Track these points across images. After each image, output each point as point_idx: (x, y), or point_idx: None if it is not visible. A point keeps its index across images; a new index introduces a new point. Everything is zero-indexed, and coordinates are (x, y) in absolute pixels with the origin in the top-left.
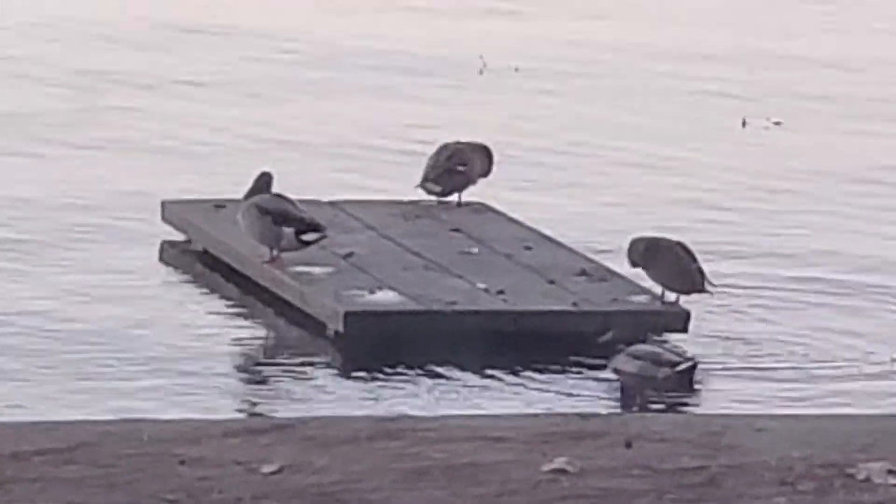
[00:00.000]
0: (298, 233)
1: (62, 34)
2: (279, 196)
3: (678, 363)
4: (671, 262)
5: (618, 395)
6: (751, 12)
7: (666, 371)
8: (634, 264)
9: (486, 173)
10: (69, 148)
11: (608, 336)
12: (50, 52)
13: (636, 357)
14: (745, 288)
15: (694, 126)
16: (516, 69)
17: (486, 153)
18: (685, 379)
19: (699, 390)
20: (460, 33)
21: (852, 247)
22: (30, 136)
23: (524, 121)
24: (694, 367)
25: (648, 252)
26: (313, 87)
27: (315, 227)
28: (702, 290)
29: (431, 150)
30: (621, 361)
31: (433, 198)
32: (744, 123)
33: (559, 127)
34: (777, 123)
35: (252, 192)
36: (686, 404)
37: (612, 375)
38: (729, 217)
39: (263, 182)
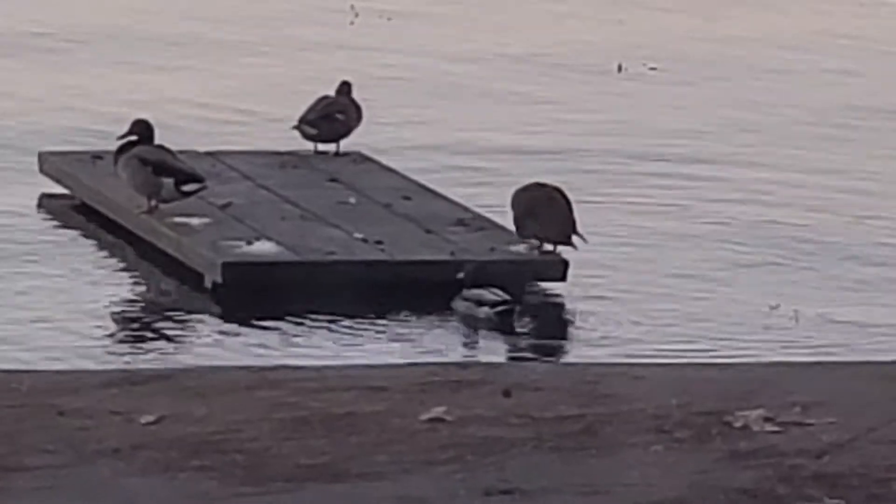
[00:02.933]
0: (178, 183)
1: None
2: (160, 147)
3: (497, 304)
4: (548, 211)
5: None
6: None
7: (486, 311)
8: (516, 219)
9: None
10: None
11: (461, 276)
12: None
13: (464, 299)
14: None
15: None
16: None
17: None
18: (506, 320)
19: (577, 338)
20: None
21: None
22: None
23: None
24: (512, 309)
25: (526, 202)
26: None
27: (195, 178)
28: (567, 243)
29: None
30: (455, 303)
31: (310, 145)
32: None
33: None
34: None
35: (127, 135)
36: (564, 353)
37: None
38: None
39: (142, 128)
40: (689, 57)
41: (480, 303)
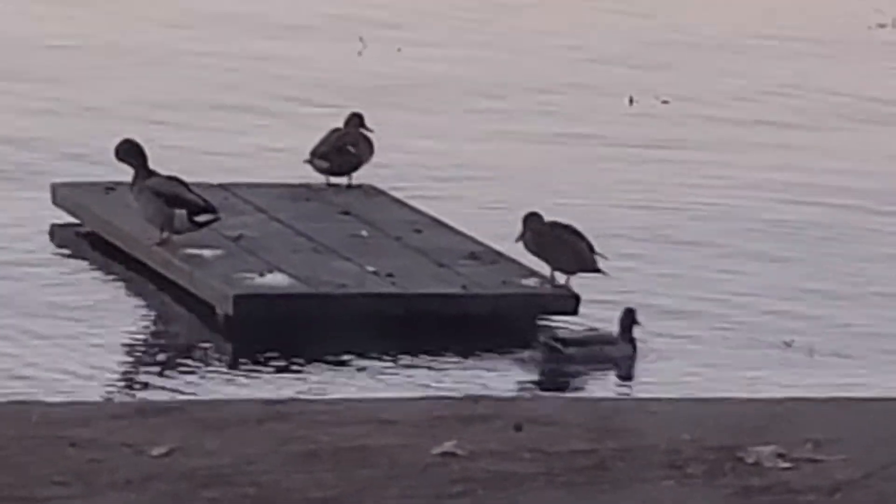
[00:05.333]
0: (191, 214)
1: None
2: (173, 178)
3: (548, 340)
4: (560, 243)
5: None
6: None
7: (528, 353)
8: (527, 248)
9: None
10: None
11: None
12: None
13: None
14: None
15: None
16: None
17: (367, 139)
18: (550, 356)
19: (589, 373)
20: None
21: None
22: None
23: None
24: (558, 347)
25: (538, 235)
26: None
27: (208, 209)
28: (594, 270)
29: None
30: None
31: (322, 179)
32: None
33: None
34: None
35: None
36: (577, 387)
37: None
38: None
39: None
40: None
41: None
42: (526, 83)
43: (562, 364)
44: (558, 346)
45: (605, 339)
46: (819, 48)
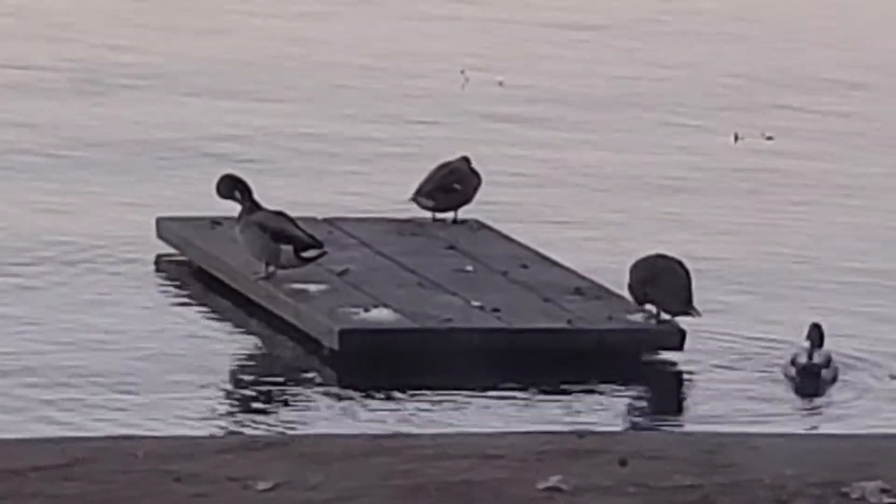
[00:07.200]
0: (297, 250)
1: None
2: (279, 213)
3: (803, 365)
4: (669, 280)
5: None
6: None
7: (791, 370)
8: (633, 286)
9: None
10: None
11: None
12: None
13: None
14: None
15: None
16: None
17: (475, 173)
18: (809, 382)
19: (694, 406)
20: None
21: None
22: None
23: None
24: (817, 372)
25: (648, 270)
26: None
27: (314, 245)
28: (687, 313)
29: None
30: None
31: (428, 214)
32: None
33: None
34: None
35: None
36: (681, 422)
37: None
38: None
39: (230, 184)
40: None
41: (793, 362)
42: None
43: (817, 387)
44: (817, 368)
45: (831, 360)
46: None
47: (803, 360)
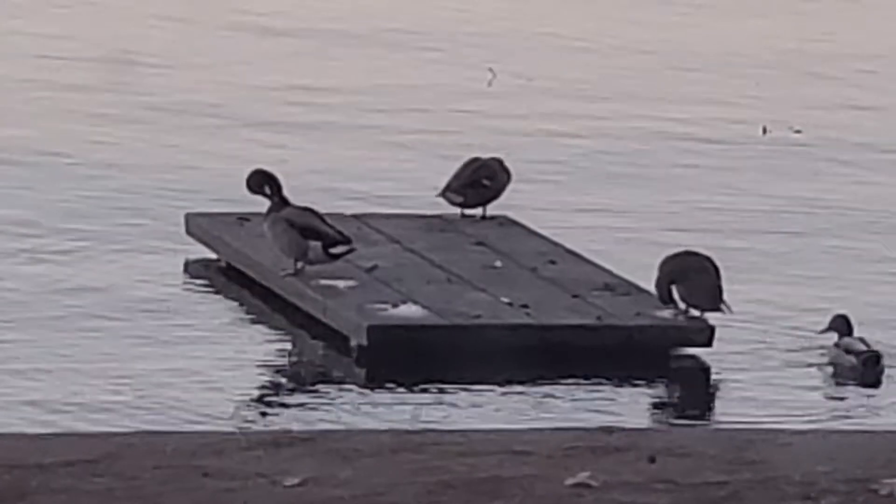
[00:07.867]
0: (326, 246)
1: None
2: (308, 209)
3: (863, 353)
4: (699, 277)
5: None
6: None
7: (852, 360)
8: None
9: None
10: None
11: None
12: None
13: (836, 346)
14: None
15: None
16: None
17: (505, 168)
18: (871, 370)
19: (723, 403)
20: None
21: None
22: None
23: None
24: (878, 358)
25: (677, 267)
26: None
27: (343, 241)
28: (716, 309)
29: None
30: (829, 351)
31: (457, 210)
32: None
33: None
34: None
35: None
36: (710, 418)
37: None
38: None
39: (261, 179)
40: None
41: (849, 351)
42: None
43: (879, 374)
44: (876, 360)
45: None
46: None
47: (860, 346)
